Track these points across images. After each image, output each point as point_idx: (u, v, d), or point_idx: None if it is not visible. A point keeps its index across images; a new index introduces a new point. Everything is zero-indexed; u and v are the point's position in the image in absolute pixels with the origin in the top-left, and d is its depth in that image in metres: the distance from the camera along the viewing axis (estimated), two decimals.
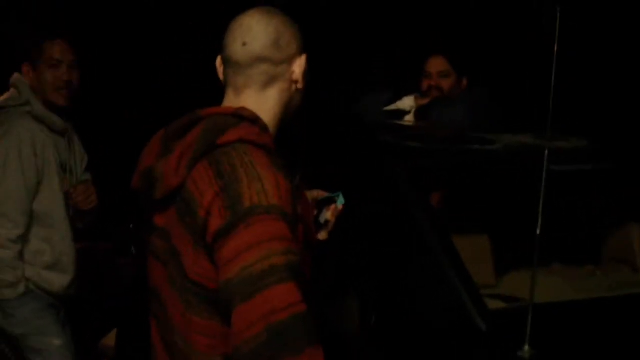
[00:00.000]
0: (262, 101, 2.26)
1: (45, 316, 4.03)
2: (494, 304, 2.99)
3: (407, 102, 4.52)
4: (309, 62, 2.31)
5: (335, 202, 2.64)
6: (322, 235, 2.62)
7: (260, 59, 2.24)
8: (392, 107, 4.53)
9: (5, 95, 4.09)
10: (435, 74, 4.52)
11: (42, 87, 4.03)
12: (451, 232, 3.09)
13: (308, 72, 2.32)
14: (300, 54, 2.29)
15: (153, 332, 2.36)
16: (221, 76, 2.34)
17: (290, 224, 2.05)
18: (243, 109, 2.20)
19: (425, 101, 4.46)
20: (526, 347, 2.48)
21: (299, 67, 2.28)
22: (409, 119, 4.45)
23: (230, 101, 2.28)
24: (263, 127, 2.20)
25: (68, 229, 4.10)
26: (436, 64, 4.55)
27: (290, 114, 2.33)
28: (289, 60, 2.27)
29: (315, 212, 2.63)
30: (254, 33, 2.23)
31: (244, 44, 2.23)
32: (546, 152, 2.47)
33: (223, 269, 2.01)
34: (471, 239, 3.40)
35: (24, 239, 3.93)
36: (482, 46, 6.33)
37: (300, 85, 2.30)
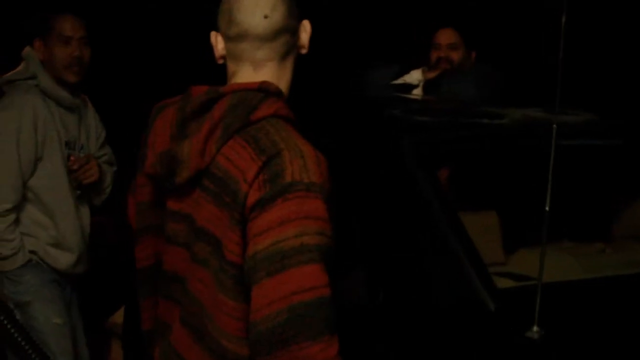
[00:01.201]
0: (282, 73, 2.21)
1: (51, 289, 4.02)
2: (502, 283, 2.96)
3: (415, 76, 4.47)
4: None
5: None
6: None
7: (282, 30, 2.18)
8: (400, 80, 4.49)
9: (16, 69, 4.08)
10: (445, 46, 4.48)
11: (53, 63, 4.01)
12: (459, 208, 3.05)
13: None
14: (301, 18, 2.24)
15: (172, 316, 2.31)
16: (219, 53, 2.25)
17: (328, 202, 2.00)
18: (267, 83, 2.14)
19: (433, 74, 4.42)
20: (535, 327, 2.43)
21: (305, 32, 2.25)
22: (416, 92, 4.40)
23: (249, 76, 2.20)
24: (286, 101, 2.17)
25: (71, 206, 4.08)
26: (446, 36, 4.51)
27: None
28: (300, 27, 2.23)
29: None
30: (272, 4, 2.16)
31: (266, 17, 2.15)
32: (554, 126, 2.41)
33: (253, 240, 1.96)
34: (479, 215, 3.37)
35: (19, 213, 3.93)
36: (490, 19, 6.27)
37: (305, 51, 2.26)
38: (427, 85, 4.41)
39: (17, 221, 3.92)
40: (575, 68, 3.09)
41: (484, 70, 4.34)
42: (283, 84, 2.20)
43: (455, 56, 4.47)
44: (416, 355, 2.81)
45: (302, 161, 1.98)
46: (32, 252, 3.95)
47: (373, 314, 2.96)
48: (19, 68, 4.05)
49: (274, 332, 1.89)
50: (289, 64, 2.23)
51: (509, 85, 4.27)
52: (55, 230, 4.01)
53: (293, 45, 2.22)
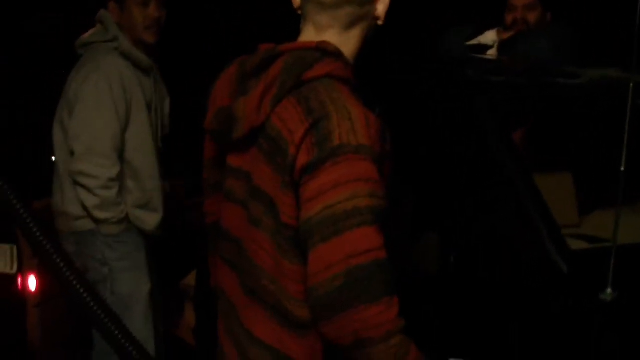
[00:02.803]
0: (345, 41, 2.18)
1: (142, 254, 4.08)
2: (576, 245, 2.92)
3: (490, 37, 4.43)
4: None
5: None
6: None
7: (346, 1, 2.15)
8: (474, 41, 4.44)
9: (91, 31, 4.09)
10: (521, 7, 4.40)
11: (132, 25, 4.03)
12: (534, 170, 3.01)
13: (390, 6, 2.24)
14: None
15: (225, 279, 2.33)
16: (296, 3, 2.25)
17: (378, 163, 1.98)
18: (326, 42, 2.12)
19: (508, 35, 4.36)
20: (608, 290, 2.40)
21: (382, 4, 2.20)
22: (491, 53, 4.35)
23: (311, 37, 2.19)
24: (346, 62, 2.14)
25: (156, 166, 4.12)
26: None
27: (365, 47, 2.25)
28: (373, 0, 2.19)
29: None
30: None
31: None
32: (631, 85, 2.36)
33: (305, 205, 1.96)
34: (554, 177, 3.32)
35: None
36: None
37: (381, 22, 2.23)
38: (502, 46, 4.35)
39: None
40: None
41: (560, 30, 4.27)
42: (347, 51, 2.17)
43: (532, 17, 4.39)
44: (489, 318, 2.80)
45: (350, 123, 1.96)
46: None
47: (445, 276, 2.95)
48: (95, 30, 4.06)
49: (332, 297, 1.89)
50: (356, 33, 2.19)
51: (586, 44, 4.19)
52: (142, 191, 4.04)
53: (362, 16, 2.18)
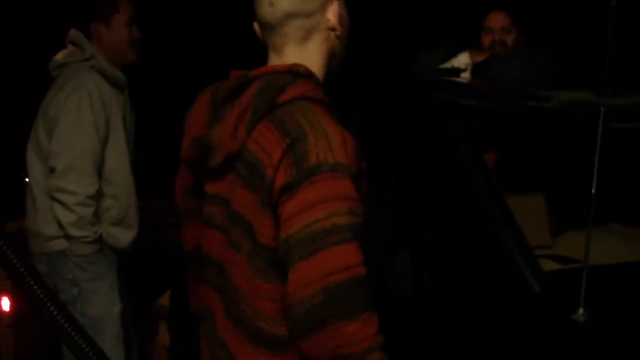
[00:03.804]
0: (305, 56, 2.20)
1: (113, 275, 4.05)
2: (549, 265, 2.95)
3: (463, 60, 4.45)
4: (346, 5, 2.25)
5: None
6: None
7: (290, 15, 2.17)
8: (447, 64, 4.47)
9: (64, 52, 4.07)
10: (499, 29, 4.45)
11: (117, 44, 4.04)
12: (506, 191, 3.04)
13: (347, 17, 2.26)
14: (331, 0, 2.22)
15: (212, 302, 2.33)
16: (259, 35, 2.28)
17: (355, 181, 2.00)
18: (297, 65, 2.15)
19: (481, 58, 4.39)
20: (580, 310, 2.42)
21: (332, 13, 2.21)
22: (464, 76, 4.38)
23: (274, 60, 2.23)
24: (317, 82, 2.16)
25: (132, 183, 4.10)
26: (498, 19, 4.48)
27: (335, 63, 2.27)
28: (321, 9, 2.20)
29: None
30: None
31: (271, 4, 2.17)
32: (602, 108, 2.40)
33: (284, 225, 1.97)
34: (527, 198, 3.35)
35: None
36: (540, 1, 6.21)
37: (339, 32, 2.24)
38: (476, 69, 4.39)
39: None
40: (625, 49, 3.05)
41: (533, 53, 4.31)
42: (310, 67, 2.18)
43: (509, 39, 4.44)
44: (461, 337, 2.81)
45: (326, 142, 1.98)
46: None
47: (417, 297, 2.96)
48: (69, 51, 4.04)
49: (311, 314, 1.91)
50: (313, 47, 2.21)
51: (558, 67, 4.23)
52: (118, 209, 4.03)
53: (313, 27, 2.20)
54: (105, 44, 4.04)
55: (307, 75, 2.14)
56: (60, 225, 3.85)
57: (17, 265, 2.22)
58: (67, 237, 3.86)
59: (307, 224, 1.93)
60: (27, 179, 4.09)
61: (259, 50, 2.34)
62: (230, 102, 2.16)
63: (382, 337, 1.93)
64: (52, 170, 3.84)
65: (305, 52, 2.20)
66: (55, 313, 2.24)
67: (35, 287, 2.23)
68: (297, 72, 2.13)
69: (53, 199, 3.84)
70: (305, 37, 2.20)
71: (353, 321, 1.89)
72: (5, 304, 4.32)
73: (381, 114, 3.61)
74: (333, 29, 2.22)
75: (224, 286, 2.23)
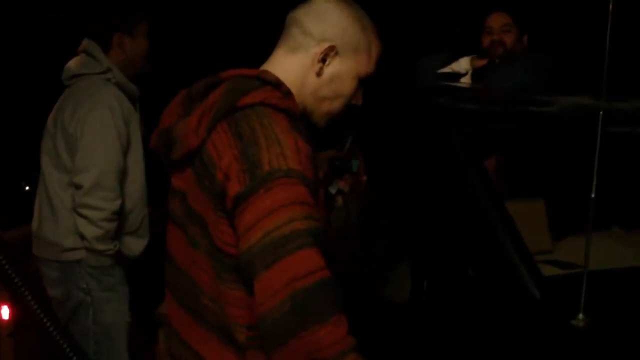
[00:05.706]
0: (288, 65, 2.22)
1: (125, 285, 4.05)
2: (549, 270, 2.93)
3: (463, 64, 4.45)
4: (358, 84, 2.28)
5: (350, 169, 2.49)
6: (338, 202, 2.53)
7: (294, 21, 2.23)
8: (448, 69, 4.47)
9: (77, 61, 4.02)
10: (498, 29, 4.44)
11: (137, 55, 4.03)
12: (507, 197, 3.03)
13: (346, 87, 2.26)
14: (338, 50, 2.22)
15: (168, 301, 2.33)
16: None
17: (311, 188, 2.01)
18: (266, 72, 2.17)
19: (481, 63, 4.39)
20: (580, 316, 2.42)
21: (324, 53, 2.21)
22: (465, 81, 4.38)
23: (270, 58, 2.27)
24: (286, 92, 2.16)
25: (146, 194, 4.09)
26: (498, 19, 4.47)
27: (308, 103, 2.26)
28: (318, 39, 2.21)
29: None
30: (311, 3, 2.24)
31: (298, 7, 2.24)
32: (601, 113, 2.39)
33: (244, 236, 1.97)
34: (527, 203, 3.34)
35: None
36: (541, 3, 6.22)
37: (322, 77, 2.23)
38: (476, 74, 4.38)
39: None
40: (625, 55, 3.05)
41: (534, 58, 4.31)
42: (289, 77, 2.20)
43: (508, 39, 4.43)
44: (461, 343, 2.80)
45: (279, 148, 1.99)
46: None
47: (417, 303, 2.96)
48: (83, 61, 3.98)
49: (281, 323, 1.90)
50: (295, 62, 2.22)
51: (559, 72, 4.22)
52: (133, 219, 4.02)
53: (300, 44, 2.22)
54: (128, 54, 4.01)
55: (275, 83, 2.15)
56: (82, 237, 3.85)
57: (16, 282, 2.20)
58: (89, 249, 3.86)
59: (267, 232, 1.93)
60: (27, 187, 4.07)
61: (259, 50, 2.35)
62: (200, 99, 2.17)
63: (353, 339, 1.93)
64: (77, 187, 3.82)
65: (289, 62, 2.23)
66: (51, 329, 2.23)
67: (32, 303, 2.22)
68: (265, 79, 2.15)
69: (78, 214, 3.83)
70: (295, 49, 2.23)
71: (324, 325, 1.89)
72: (5, 312, 4.30)
73: (381, 116, 3.61)
74: (319, 68, 2.22)
75: (178, 282, 2.24)
